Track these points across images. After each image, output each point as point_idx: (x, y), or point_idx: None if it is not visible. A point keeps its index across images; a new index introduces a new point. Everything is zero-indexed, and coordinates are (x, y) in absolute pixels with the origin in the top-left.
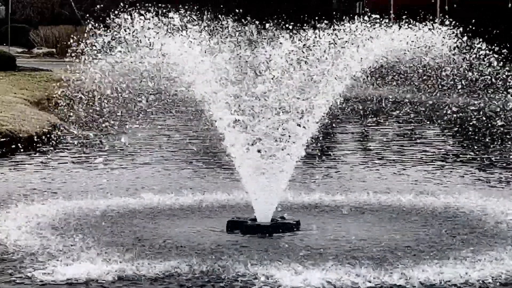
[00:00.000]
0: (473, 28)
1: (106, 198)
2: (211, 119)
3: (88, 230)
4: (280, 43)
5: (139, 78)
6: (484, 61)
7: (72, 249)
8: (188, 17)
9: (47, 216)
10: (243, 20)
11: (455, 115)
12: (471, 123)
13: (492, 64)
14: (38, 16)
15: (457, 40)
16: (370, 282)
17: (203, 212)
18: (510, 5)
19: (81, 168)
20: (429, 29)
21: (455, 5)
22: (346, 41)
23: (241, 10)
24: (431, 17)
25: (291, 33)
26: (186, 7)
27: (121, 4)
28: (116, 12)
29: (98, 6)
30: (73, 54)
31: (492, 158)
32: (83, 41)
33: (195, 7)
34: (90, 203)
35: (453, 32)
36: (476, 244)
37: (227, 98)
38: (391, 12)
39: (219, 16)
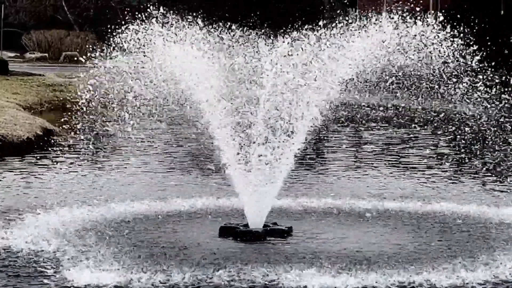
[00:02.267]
0: (464, 30)
1: (97, 205)
2: (204, 123)
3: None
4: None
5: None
6: (472, 64)
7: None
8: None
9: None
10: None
11: (444, 120)
12: (462, 127)
13: (481, 68)
14: (31, 20)
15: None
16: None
17: (195, 218)
18: (502, 12)
19: (73, 173)
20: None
21: (450, 11)
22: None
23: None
24: (424, 18)
25: (281, 38)
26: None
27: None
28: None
29: (92, 11)
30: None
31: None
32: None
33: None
34: (83, 210)
35: (444, 31)
36: None
37: (223, 103)
38: (383, 15)
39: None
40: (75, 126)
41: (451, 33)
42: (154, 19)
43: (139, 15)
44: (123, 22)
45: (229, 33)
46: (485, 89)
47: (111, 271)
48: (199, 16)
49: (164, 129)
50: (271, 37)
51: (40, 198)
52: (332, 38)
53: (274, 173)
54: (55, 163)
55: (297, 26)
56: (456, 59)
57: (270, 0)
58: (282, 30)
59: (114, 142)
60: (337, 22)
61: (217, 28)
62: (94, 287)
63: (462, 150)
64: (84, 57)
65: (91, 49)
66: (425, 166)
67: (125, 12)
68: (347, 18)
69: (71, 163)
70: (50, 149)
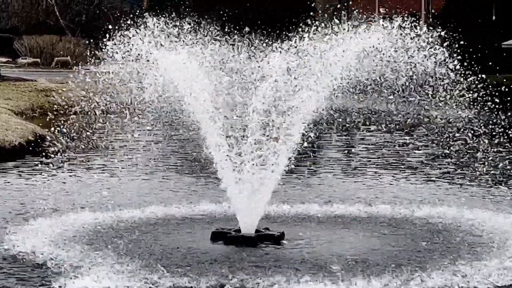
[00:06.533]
0: (454, 36)
1: (90, 211)
2: (197, 130)
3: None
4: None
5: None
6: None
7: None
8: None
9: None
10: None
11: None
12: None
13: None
14: (23, 25)
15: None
16: None
17: (187, 222)
18: (494, 18)
19: (66, 179)
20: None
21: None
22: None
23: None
24: (415, 24)
25: (273, 43)
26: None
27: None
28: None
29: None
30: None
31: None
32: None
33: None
34: (77, 216)
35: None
36: None
37: (215, 111)
38: (375, 19)
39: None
40: (66, 131)
41: (440, 37)
42: (147, 24)
43: (132, 21)
44: (115, 28)
45: (222, 37)
46: (471, 93)
47: (100, 277)
48: (192, 20)
49: (157, 133)
50: (264, 41)
51: (35, 203)
52: (322, 44)
53: (266, 178)
54: (47, 168)
55: (289, 31)
56: (444, 64)
57: (262, 4)
58: (275, 34)
59: (103, 147)
60: (329, 27)
61: (210, 31)
62: None
63: (449, 154)
64: (75, 62)
65: (83, 54)
66: (419, 170)
67: (118, 18)
68: (339, 22)
69: (61, 168)
70: (42, 154)
